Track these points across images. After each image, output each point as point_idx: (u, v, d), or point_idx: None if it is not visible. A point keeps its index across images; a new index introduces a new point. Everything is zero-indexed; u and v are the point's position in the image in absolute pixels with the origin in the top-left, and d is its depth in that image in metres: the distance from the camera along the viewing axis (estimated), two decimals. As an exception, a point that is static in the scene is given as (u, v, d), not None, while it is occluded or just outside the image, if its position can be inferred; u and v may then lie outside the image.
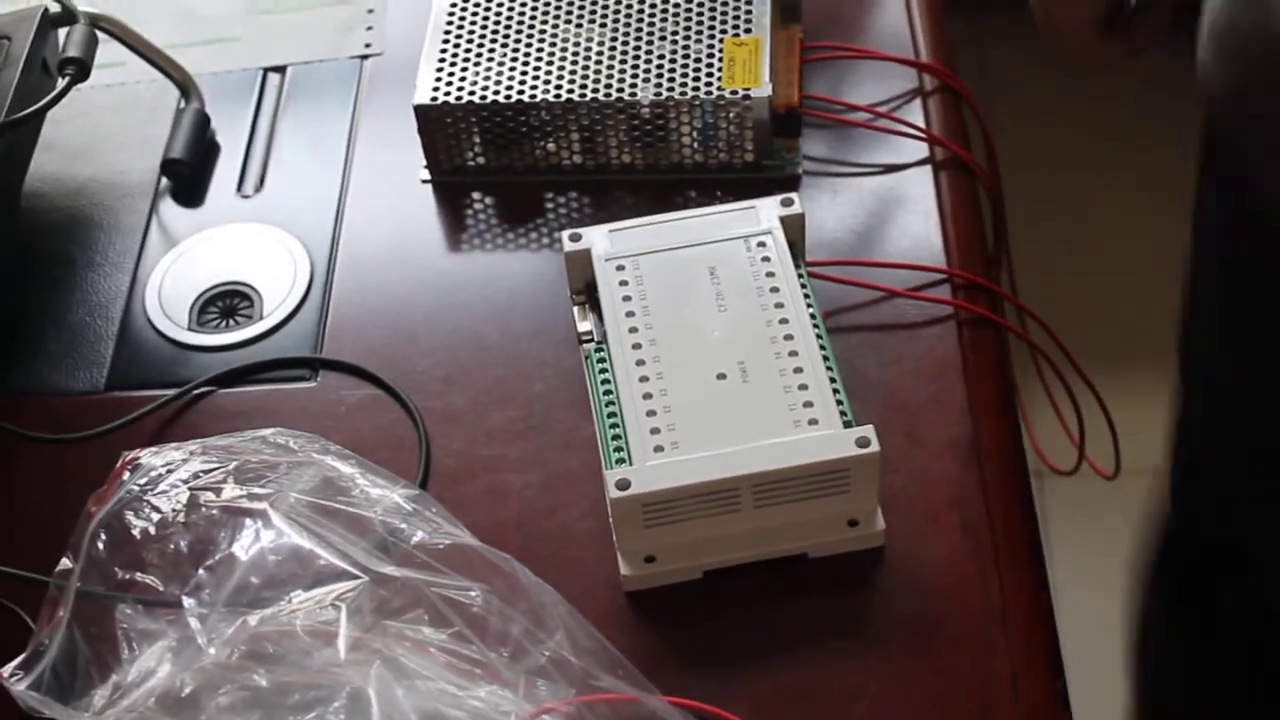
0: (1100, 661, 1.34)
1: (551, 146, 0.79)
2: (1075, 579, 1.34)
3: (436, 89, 0.78)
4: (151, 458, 0.60)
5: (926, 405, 0.70)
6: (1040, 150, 1.67)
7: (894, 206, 0.79)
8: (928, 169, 0.80)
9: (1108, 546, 1.42)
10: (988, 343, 0.73)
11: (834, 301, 0.73)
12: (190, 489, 0.58)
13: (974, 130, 0.83)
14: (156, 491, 0.58)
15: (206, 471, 0.59)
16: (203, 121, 0.84)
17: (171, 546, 0.57)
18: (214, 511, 0.57)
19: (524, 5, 0.82)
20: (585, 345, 0.70)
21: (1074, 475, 0.85)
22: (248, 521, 0.57)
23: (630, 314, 0.68)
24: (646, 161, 0.80)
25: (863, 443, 0.63)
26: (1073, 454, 0.84)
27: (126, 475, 0.59)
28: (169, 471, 0.59)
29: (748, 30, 0.79)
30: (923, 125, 0.81)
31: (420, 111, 0.78)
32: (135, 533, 0.57)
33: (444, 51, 0.80)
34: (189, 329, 0.76)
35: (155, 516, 0.57)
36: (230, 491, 0.58)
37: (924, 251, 0.76)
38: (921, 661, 0.62)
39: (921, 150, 0.81)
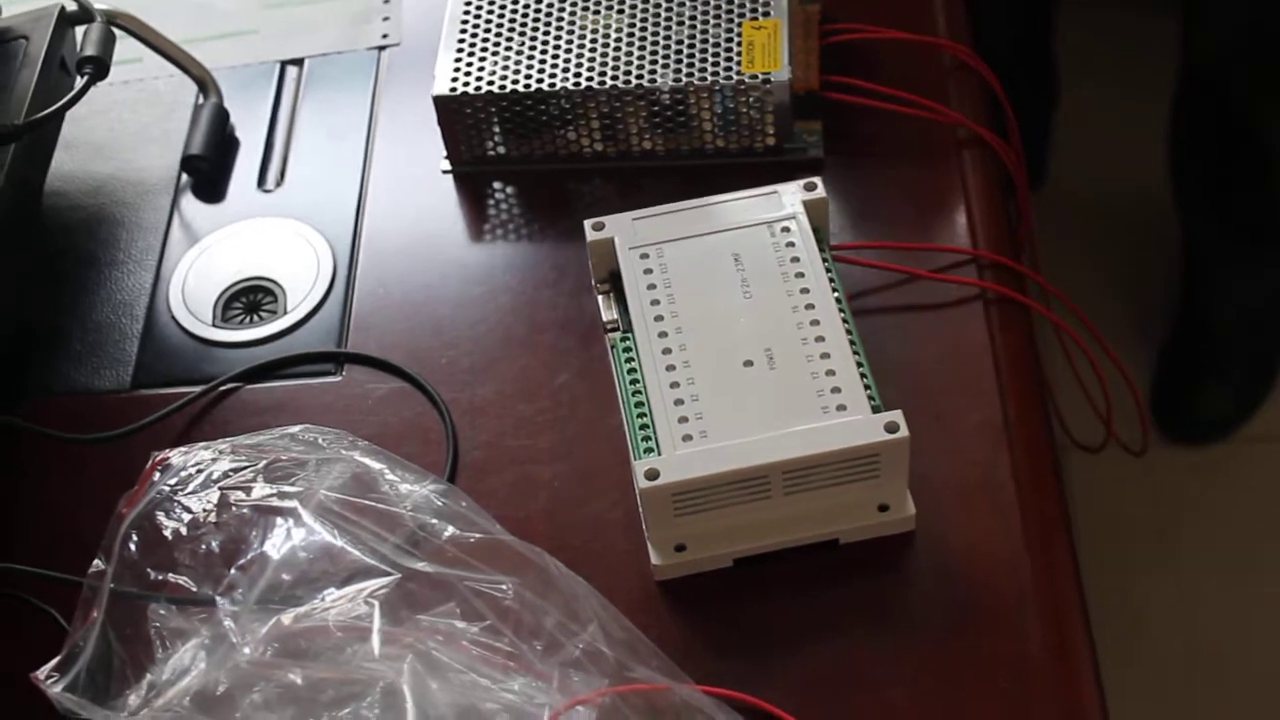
0: (1131, 637, 1.34)
1: (572, 134, 0.79)
2: (1102, 556, 1.34)
3: (455, 79, 0.78)
4: (181, 458, 0.60)
5: (954, 387, 0.70)
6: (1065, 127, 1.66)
7: (917, 188, 0.78)
8: (952, 148, 0.79)
9: (1135, 523, 1.43)
10: (1015, 323, 0.72)
11: (858, 285, 0.73)
12: (220, 488, 0.58)
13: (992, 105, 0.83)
14: (187, 492, 0.58)
15: (236, 470, 0.59)
16: (222, 116, 0.84)
17: (203, 547, 0.57)
18: (245, 510, 0.57)
19: (541, -7, 0.81)
20: (610, 334, 0.70)
21: (1101, 452, 0.84)
22: (278, 520, 0.57)
23: (655, 302, 0.68)
24: (667, 147, 0.79)
25: (891, 428, 0.62)
26: (1099, 430, 0.83)
27: (157, 476, 0.59)
28: (199, 471, 0.59)
29: (766, 13, 0.79)
30: (945, 105, 0.80)
31: (439, 102, 0.78)
32: (167, 533, 0.57)
33: (461, 41, 0.80)
34: (213, 325, 0.76)
35: (186, 517, 0.57)
36: (260, 490, 0.58)
37: (949, 232, 0.76)
38: (954, 645, 0.62)
39: (944, 130, 0.80)
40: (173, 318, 0.76)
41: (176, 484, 0.59)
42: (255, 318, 0.76)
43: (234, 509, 0.57)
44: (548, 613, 0.57)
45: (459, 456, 0.70)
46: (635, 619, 0.61)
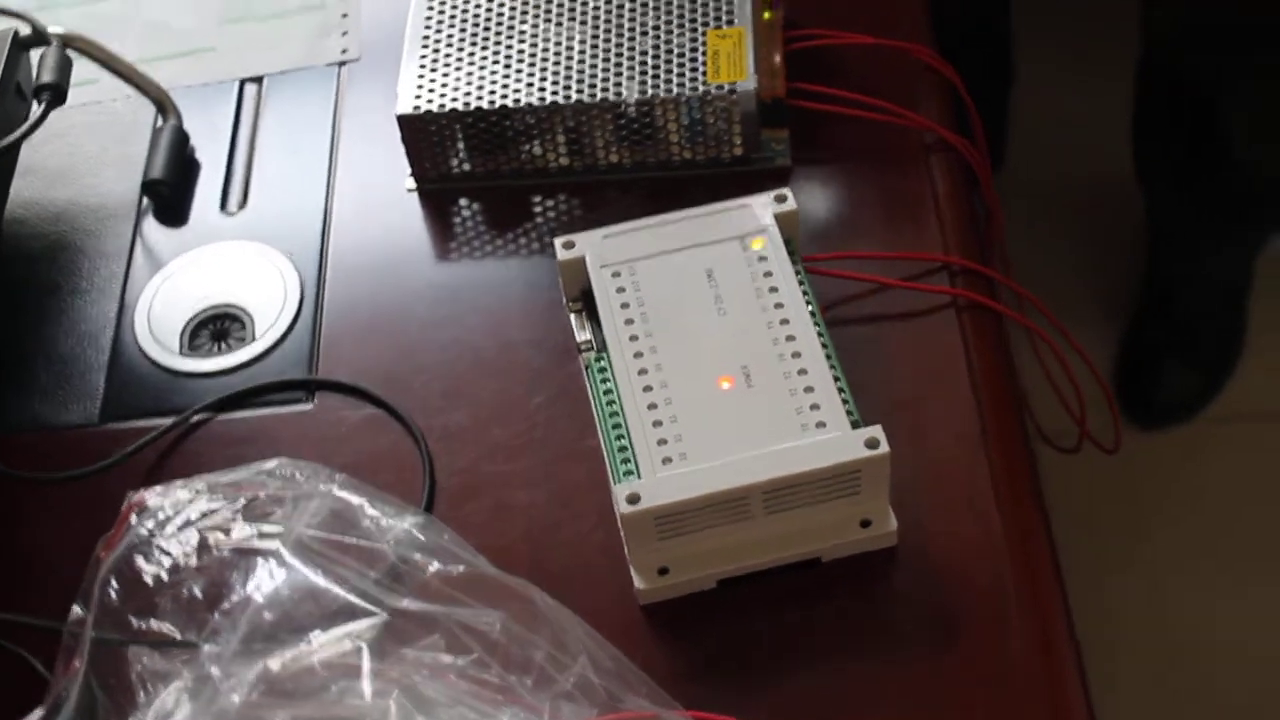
0: (1111, 631, 1.35)
1: (538, 149, 0.78)
2: (1077, 551, 1.35)
3: (419, 97, 0.77)
4: (158, 498, 0.59)
5: (930, 397, 0.70)
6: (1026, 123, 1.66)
7: (886, 194, 0.78)
8: (919, 154, 0.79)
9: (1108, 516, 1.43)
10: (988, 329, 0.72)
11: (831, 296, 0.73)
12: (199, 530, 0.58)
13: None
14: (165, 534, 0.58)
15: (214, 510, 0.58)
16: (181, 138, 0.83)
17: (185, 591, 0.56)
18: (225, 553, 0.57)
19: (502, 6, 0.81)
20: (585, 354, 0.69)
21: (1076, 453, 0.85)
22: (260, 561, 0.56)
23: (629, 321, 0.67)
24: (634, 160, 0.79)
25: (872, 444, 0.62)
26: (1072, 428, 0.83)
27: (134, 518, 0.58)
28: (177, 512, 0.58)
29: (730, 21, 0.78)
30: (911, 109, 0.80)
31: (404, 121, 0.77)
32: (147, 578, 0.57)
33: (424, 57, 0.79)
34: (181, 355, 0.75)
35: (166, 561, 0.57)
36: (240, 531, 0.57)
37: (919, 239, 0.76)
38: (941, 659, 0.62)
39: (911, 135, 0.80)
40: (139, 348, 0.75)
41: (154, 526, 0.58)
42: (223, 345, 0.75)
43: (214, 551, 0.57)
44: (537, 646, 0.56)
45: (436, 484, 0.69)
46: (620, 644, 0.60)
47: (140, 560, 0.57)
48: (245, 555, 0.57)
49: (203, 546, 0.57)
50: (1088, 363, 0.78)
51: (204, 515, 0.58)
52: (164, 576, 0.56)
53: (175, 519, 0.58)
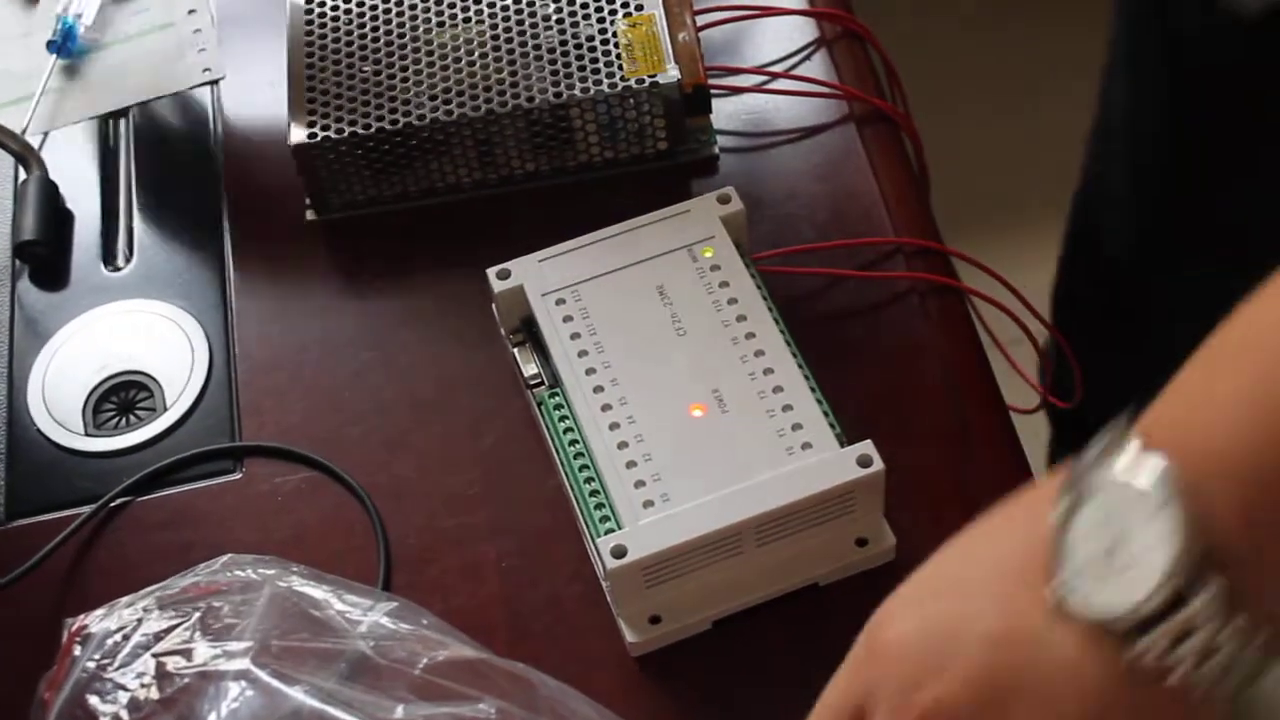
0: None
1: (447, 165, 0.72)
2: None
3: (313, 123, 0.71)
4: (100, 623, 0.53)
5: (906, 392, 0.66)
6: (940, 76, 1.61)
7: (822, 174, 0.74)
8: (849, 126, 0.75)
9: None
10: (953, 311, 0.69)
11: (785, 295, 0.68)
12: (154, 656, 0.51)
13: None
14: (117, 665, 0.51)
15: (167, 629, 0.52)
16: (50, 191, 0.75)
17: (149, 733, 0.50)
18: (188, 679, 0.51)
19: (389, 12, 0.74)
20: (536, 390, 0.64)
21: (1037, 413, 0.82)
22: (231, 686, 0.50)
23: (583, 353, 0.62)
24: (551, 165, 0.73)
25: (865, 461, 0.58)
26: (1030, 392, 0.80)
27: (77, 649, 0.52)
28: (125, 638, 0.52)
29: (638, 6, 0.73)
30: (833, 79, 0.76)
31: (300, 152, 0.70)
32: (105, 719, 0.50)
33: (311, 77, 0.72)
34: (86, 434, 0.68)
35: (124, 696, 0.50)
36: (202, 652, 0.51)
37: (864, 220, 0.71)
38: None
39: (837, 106, 0.75)
40: (38, 431, 0.68)
41: (103, 657, 0.51)
42: (132, 418, 0.69)
43: (177, 679, 0.51)
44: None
45: (391, 548, 0.64)
46: (617, 703, 0.56)
47: (94, 700, 0.51)
48: (212, 680, 0.51)
49: (162, 674, 0.51)
50: (1055, 335, 0.74)
51: (158, 637, 0.52)
52: (124, 716, 0.50)
53: (125, 645, 0.52)
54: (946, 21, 1.69)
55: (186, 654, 0.51)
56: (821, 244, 0.70)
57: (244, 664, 0.51)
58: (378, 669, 0.53)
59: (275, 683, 0.50)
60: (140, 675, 0.51)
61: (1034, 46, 1.69)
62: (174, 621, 0.53)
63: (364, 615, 0.54)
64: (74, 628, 0.53)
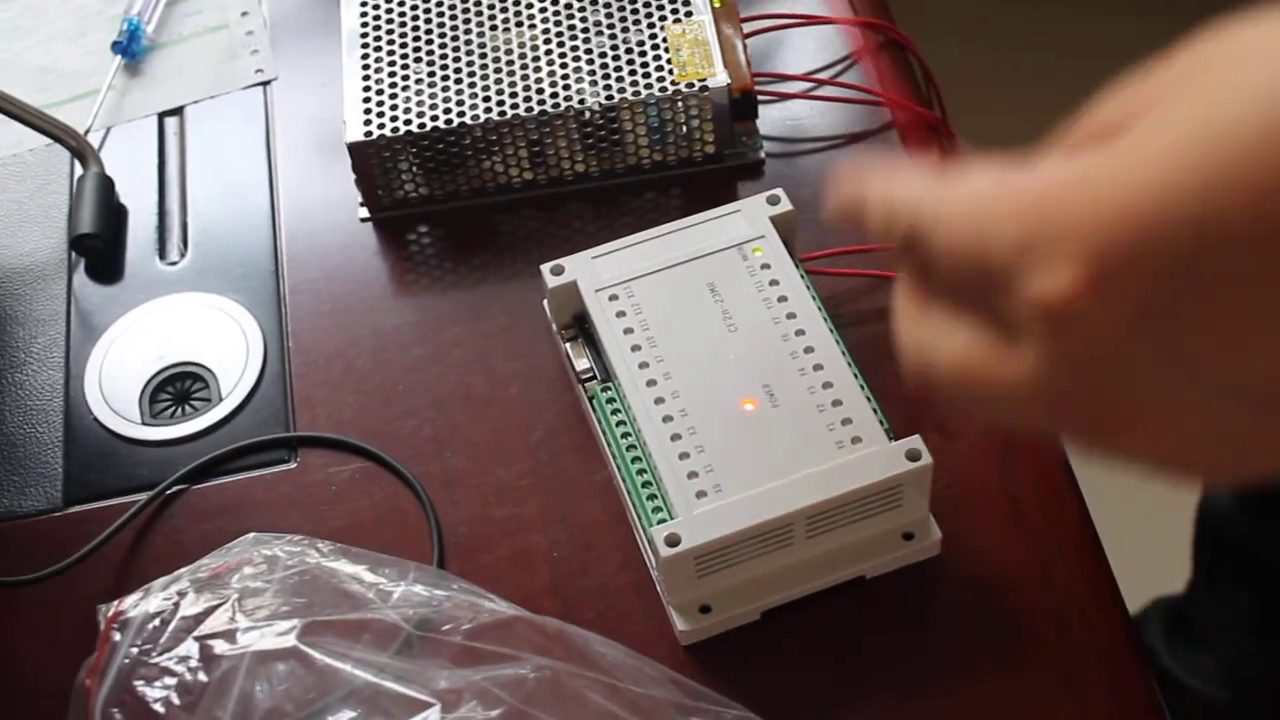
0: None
1: (499, 165, 0.74)
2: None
3: (369, 122, 0.72)
4: (140, 605, 0.53)
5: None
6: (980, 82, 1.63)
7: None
8: (891, 133, 0.76)
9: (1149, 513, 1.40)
10: (995, 314, 0.70)
11: (830, 296, 0.69)
12: (196, 639, 0.52)
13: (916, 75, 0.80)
14: (160, 650, 0.51)
15: (206, 612, 0.53)
16: (107, 186, 0.77)
17: (206, 716, 0.51)
18: (234, 661, 0.51)
19: (441, 15, 0.76)
20: (588, 384, 0.65)
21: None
22: (280, 666, 0.51)
23: (636, 348, 0.63)
24: (601, 167, 0.74)
25: (914, 455, 0.59)
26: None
27: (116, 635, 0.52)
28: (163, 622, 0.52)
29: (688, 13, 0.74)
30: (877, 88, 0.77)
31: (355, 150, 0.72)
32: (156, 706, 0.50)
33: (367, 77, 0.74)
34: (143, 423, 0.69)
35: (171, 681, 0.51)
36: (246, 634, 0.52)
37: (908, 225, 0.73)
38: (1001, 671, 0.60)
39: (880, 114, 0.77)
40: (95, 420, 0.70)
41: (144, 643, 0.52)
42: (187, 408, 0.70)
43: (224, 661, 0.51)
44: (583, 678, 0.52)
45: (444, 537, 0.65)
46: (668, 690, 0.57)
47: (140, 686, 0.51)
48: (259, 660, 0.51)
49: (206, 657, 0.51)
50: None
51: (197, 619, 0.53)
52: (175, 700, 0.50)
53: (165, 630, 0.52)
54: (987, 32, 1.70)
55: (229, 636, 0.52)
56: (865, 246, 0.71)
57: (290, 641, 0.51)
58: (421, 640, 0.54)
59: (325, 659, 0.51)
60: (184, 659, 0.51)
61: (1074, 56, 1.70)
62: (213, 603, 0.53)
63: (395, 586, 0.55)
64: (110, 614, 0.53)
